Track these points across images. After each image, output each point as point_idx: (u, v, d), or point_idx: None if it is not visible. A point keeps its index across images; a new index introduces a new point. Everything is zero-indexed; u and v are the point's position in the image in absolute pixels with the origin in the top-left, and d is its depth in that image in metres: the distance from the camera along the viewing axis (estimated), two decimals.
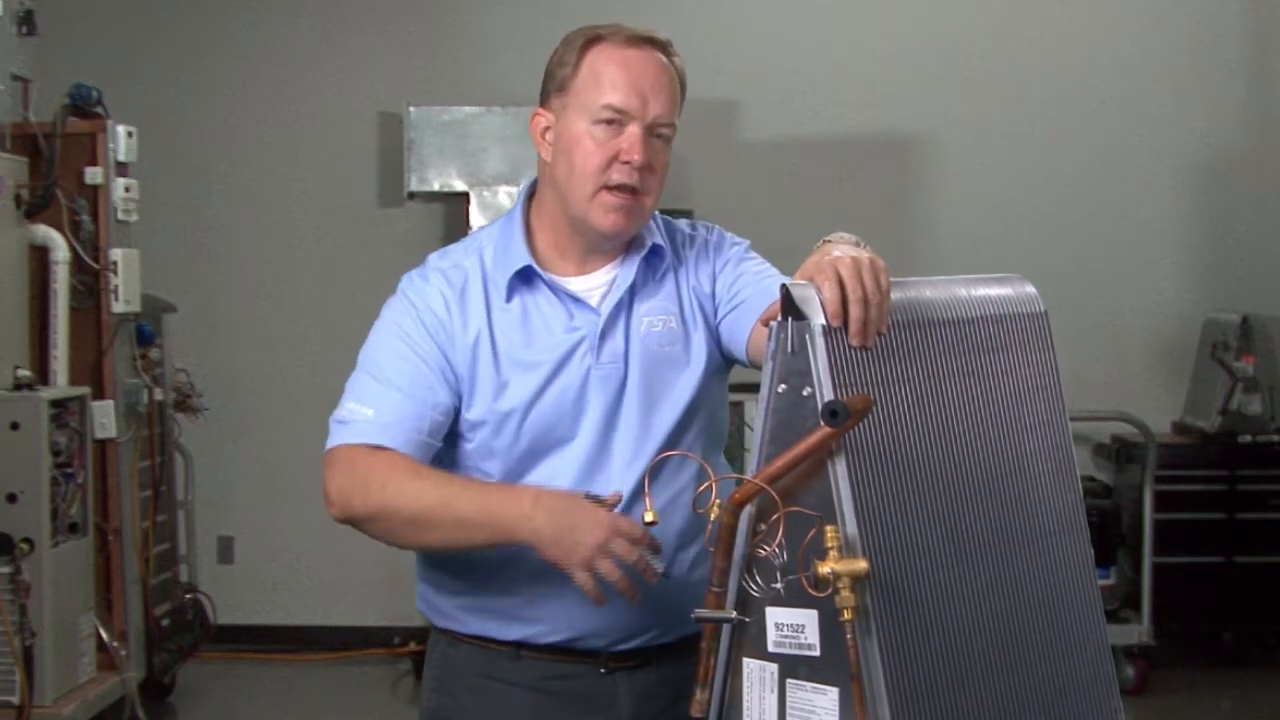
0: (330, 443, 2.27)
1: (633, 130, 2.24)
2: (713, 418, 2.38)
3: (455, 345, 2.29)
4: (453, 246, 2.42)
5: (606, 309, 2.31)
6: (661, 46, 2.31)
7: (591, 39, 2.28)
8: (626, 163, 2.24)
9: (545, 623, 2.31)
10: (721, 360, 2.37)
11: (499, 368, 2.28)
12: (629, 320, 2.32)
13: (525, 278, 2.32)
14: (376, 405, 2.25)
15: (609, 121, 2.24)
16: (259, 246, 6.85)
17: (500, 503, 2.17)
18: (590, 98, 2.25)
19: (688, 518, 2.26)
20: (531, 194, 2.40)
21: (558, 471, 2.27)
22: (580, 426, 2.28)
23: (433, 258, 2.40)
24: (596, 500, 2.14)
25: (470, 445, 2.31)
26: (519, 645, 2.33)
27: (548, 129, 2.32)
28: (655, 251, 2.35)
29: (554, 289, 2.32)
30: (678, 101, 2.30)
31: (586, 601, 2.20)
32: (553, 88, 2.31)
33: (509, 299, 2.31)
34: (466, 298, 2.32)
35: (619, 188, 2.25)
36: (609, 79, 2.25)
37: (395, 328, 2.32)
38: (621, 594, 2.11)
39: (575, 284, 2.33)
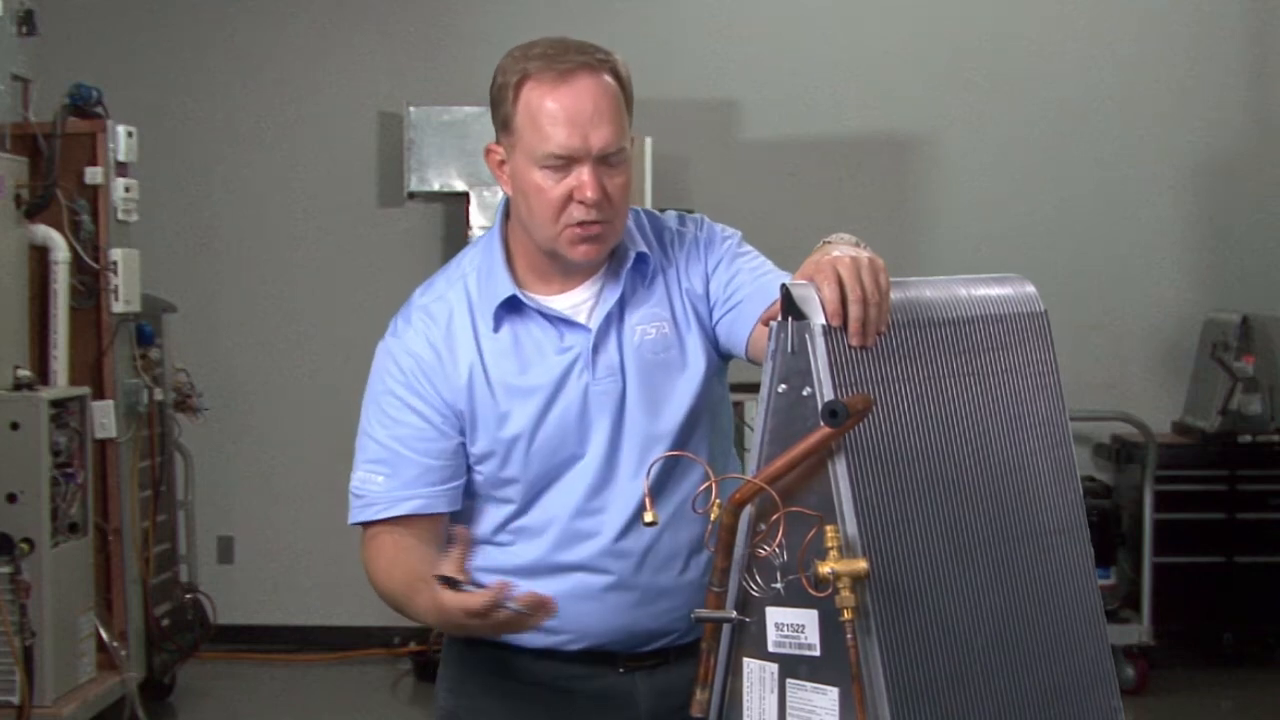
0: (350, 518, 2.33)
1: (581, 170, 2.19)
2: (716, 417, 2.37)
3: (449, 385, 2.28)
4: (435, 278, 2.39)
5: (596, 324, 2.29)
6: (596, 66, 2.22)
7: (523, 76, 2.22)
8: (582, 202, 2.20)
9: (565, 634, 2.31)
10: (719, 359, 2.36)
11: (496, 398, 2.27)
12: (620, 332, 2.30)
13: (511, 305, 2.30)
14: (385, 471, 2.28)
15: (555, 165, 2.20)
16: (259, 246, 6.85)
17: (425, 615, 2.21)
18: (532, 144, 2.21)
19: (700, 521, 2.25)
20: (507, 213, 2.37)
21: (570, 489, 2.27)
22: (588, 443, 2.27)
23: (415, 295, 2.37)
24: (448, 583, 2.08)
25: (481, 477, 2.31)
26: (539, 653, 2.33)
27: (503, 163, 2.29)
28: (640, 259, 2.32)
29: (541, 312, 2.30)
30: (623, 120, 2.24)
31: (607, 613, 2.26)
32: (498, 123, 2.28)
33: (497, 329, 2.29)
34: (453, 333, 2.30)
35: (580, 224, 2.22)
36: (546, 121, 2.19)
37: (385, 384, 2.31)
38: (533, 612, 2.08)
39: (561, 303, 2.31)
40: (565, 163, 2.20)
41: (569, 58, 2.21)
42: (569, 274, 2.31)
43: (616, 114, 2.22)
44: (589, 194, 2.19)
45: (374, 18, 6.84)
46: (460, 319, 2.31)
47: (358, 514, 2.31)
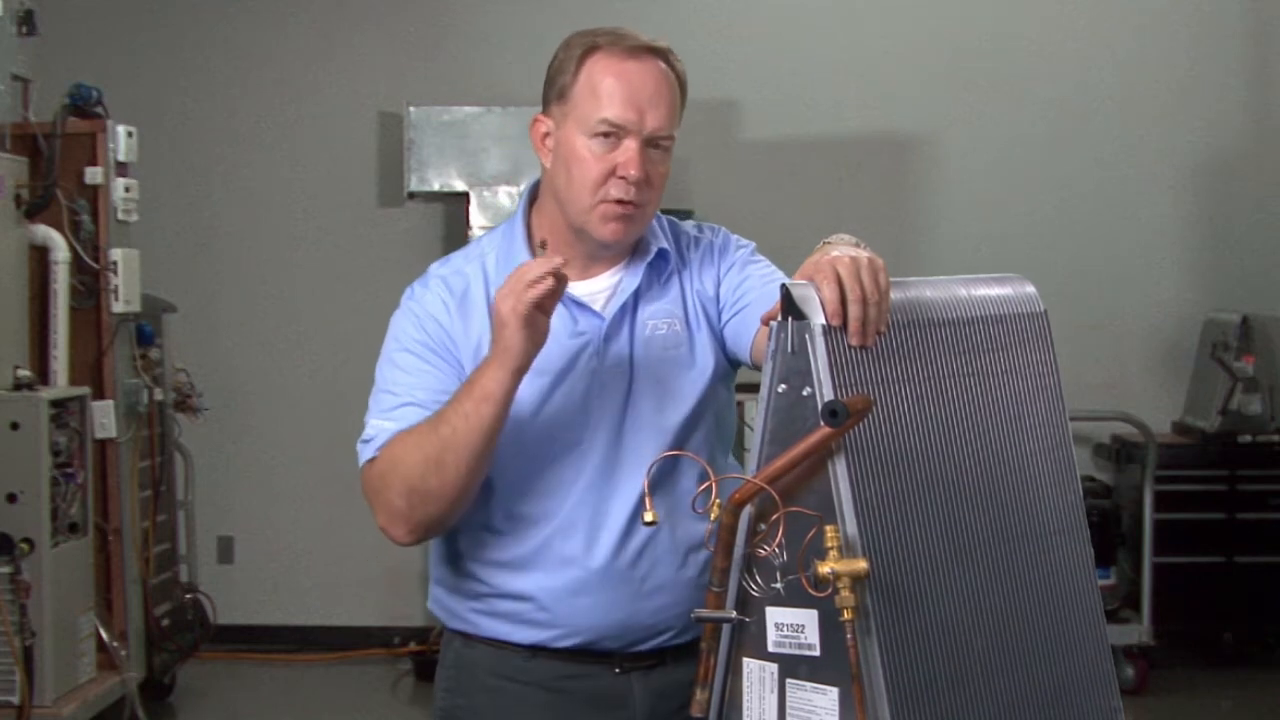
0: (360, 460, 2.29)
1: (629, 145, 2.23)
2: (719, 420, 2.38)
3: (459, 349, 2.29)
4: (455, 254, 2.42)
5: (610, 313, 2.30)
6: (661, 55, 2.28)
7: (590, 48, 2.26)
8: (623, 178, 2.23)
9: (559, 627, 2.31)
10: (727, 364, 2.37)
11: None
12: (633, 324, 2.32)
13: None
14: (396, 419, 2.26)
15: (606, 135, 2.23)
16: (259, 246, 6.85)
17: (477, 372, 2.17)
18: (587, 110, 2.24)
19: (698, 518, 2.25)
20: (533, 198, 2.39)
21: (570, 476, 2.28)
22: (590, 430, 2.28)
23: (434, 266, 2.40)
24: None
25: None
26: (534, 648, 2.33)
27: (547, 135, 2.31)
28: (660, 255, 2.35)
29: None
30: (677, 110, 2.29)
31: (603, 608, 2.24)
32: (552, 95, 2.30)
33: None
34: (468, 304, 2.32)
35: (617, 202, 2.24)
36: (606, 92, 2.23)
37: (401, 340, 2.33)
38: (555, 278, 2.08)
39: (579, 288, 2.32)
40: (617, 134, 2.23)
41: (638, 40, 2.28)
42: (591, 260, 2.33)
43: (672, 103, 2.28)
44: (632, 171, 2.22)
45: (374, 18, 6.84)
46: (476, 293, 2.32)
47: (369, 453, 2.27)
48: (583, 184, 2.25)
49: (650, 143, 2.24)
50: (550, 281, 2.08)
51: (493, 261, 2.35)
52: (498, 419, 2.15)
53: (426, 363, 2.29)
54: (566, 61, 2.28)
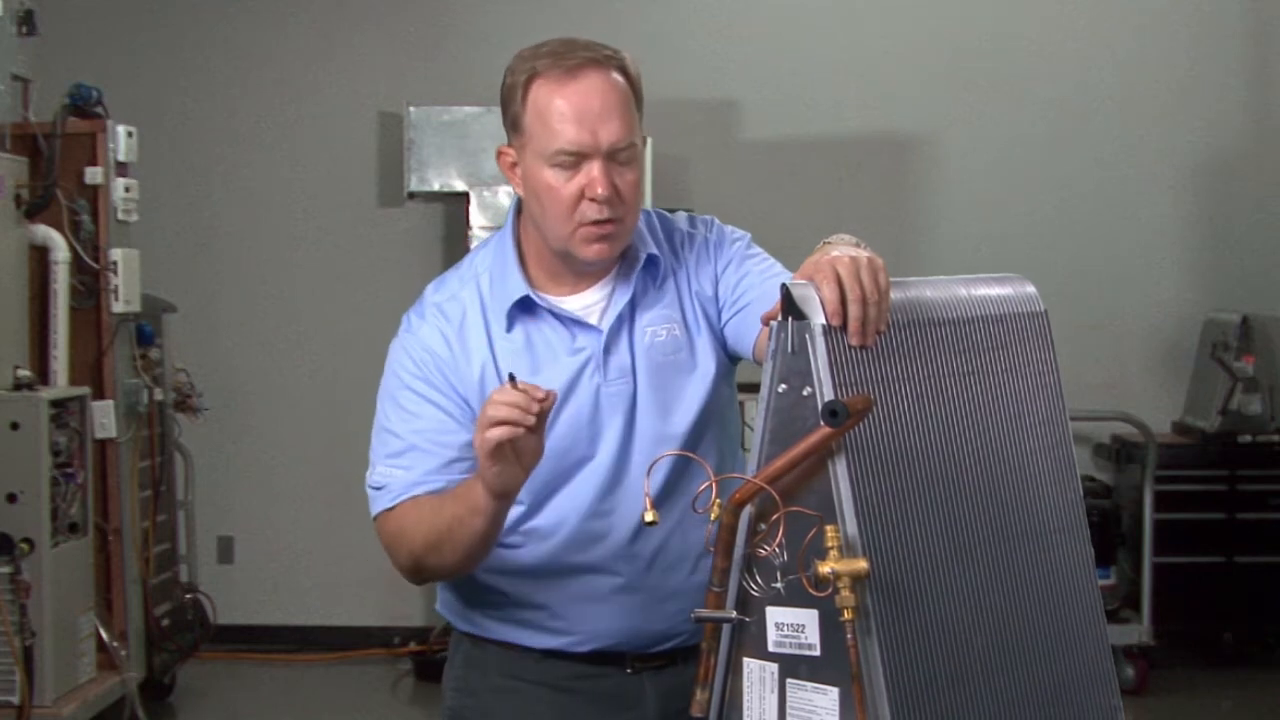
0: (373, 510, 2.29)
1: (591, 166, 2.20)
2: (725, 419, 2.37)
3: (463, 380, 2.28)
4: (448, 275, 2.40)
5: (608, 325, 2.29)
6: (604, 63, 2.22)
7: (531, 75, 2.22)
8: (593, 199, 2.20)
9: (574, 634, 2.31)
10: (728, 362, 2.36)
11: None
12: (632, 333, 2.31)
13: (524, 306, 2.30)
14: (406, 464, 2.26)
15: (566, 162, 2.20)
16: (259, 246, 6.85)
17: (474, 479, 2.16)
18: (542, 141, 2.21)
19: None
20: (520, 208, 2.36)
21: (581, 491, 2.27)
22: (599, 444, 2.28)
23: (429, 291, 2.38)
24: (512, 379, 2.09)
25: None
26: (546, 652, 2.33)
27: (514, 165, 2.29)
28: (651, 261, 2.33)
29: (554, 313, 2.30)
30: (633, 116, 2.24)
31: (616, 615, 2.25)
32: (508, 124, 2.28)
33: (510, 329, 2.29)
34: (466, 332, 2.30)
35: (594, 223, 2.22)
36: (555, 118, 2.19)
37: (401, 376, 2.31)
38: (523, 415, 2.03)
39: (573, 303, 2.31)
40: (575, 159, 2.20)
41: (576, 55, 2.22)
42: (581, 275, 2.31)
43: (625, 110, 2.22)
44: (600, 190, 2.19)
45: (374, 18, 6.84)
46: (473, 318, 2.31)
47: (377, 504, 2.28)
48: (556, 212, 2.23)
49: (612, 157, 2.21)
50: (508, 428, 2.01)
51: (487, 283, 2.33)
52: (487, 530, 2.16)
53: (428, 401, 2.28)
54: (513, 89, 2.24)
